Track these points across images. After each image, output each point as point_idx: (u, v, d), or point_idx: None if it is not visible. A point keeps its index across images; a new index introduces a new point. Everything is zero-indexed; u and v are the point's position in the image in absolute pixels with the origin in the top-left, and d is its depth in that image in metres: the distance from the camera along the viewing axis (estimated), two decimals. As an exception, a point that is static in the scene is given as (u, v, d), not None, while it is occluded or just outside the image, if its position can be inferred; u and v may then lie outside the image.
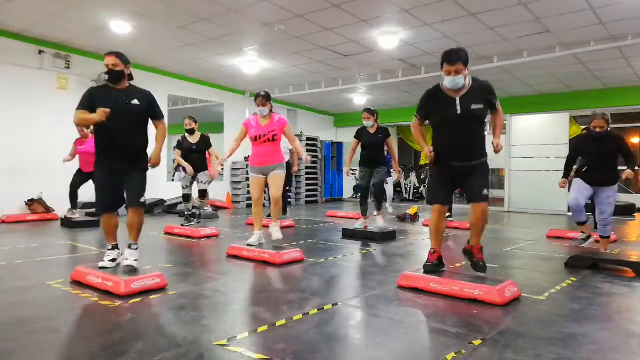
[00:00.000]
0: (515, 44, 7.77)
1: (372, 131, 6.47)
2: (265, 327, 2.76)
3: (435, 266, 3.78)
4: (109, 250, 3.86)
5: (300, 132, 13.76)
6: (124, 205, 3.83)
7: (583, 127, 11.88)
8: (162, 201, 9.69)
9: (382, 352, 2.46)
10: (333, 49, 8.35)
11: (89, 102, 3.64)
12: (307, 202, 13.70)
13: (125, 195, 3.80)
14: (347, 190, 15.51)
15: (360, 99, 12.84)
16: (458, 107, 3.51)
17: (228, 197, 11.76)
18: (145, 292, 3.42)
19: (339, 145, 15.09)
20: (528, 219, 9.80)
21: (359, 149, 6.65)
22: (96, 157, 3.82)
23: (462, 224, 7.70)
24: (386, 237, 6.28)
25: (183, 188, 7.04)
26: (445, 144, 3.64)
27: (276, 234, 5.13)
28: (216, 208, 10.31)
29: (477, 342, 2.55)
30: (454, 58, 3.44)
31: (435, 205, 3.77)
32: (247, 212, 10.38)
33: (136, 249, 3.79)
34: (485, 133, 3.74)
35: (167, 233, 6.66)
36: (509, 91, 11.34)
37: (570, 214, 5.46)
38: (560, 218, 9.98)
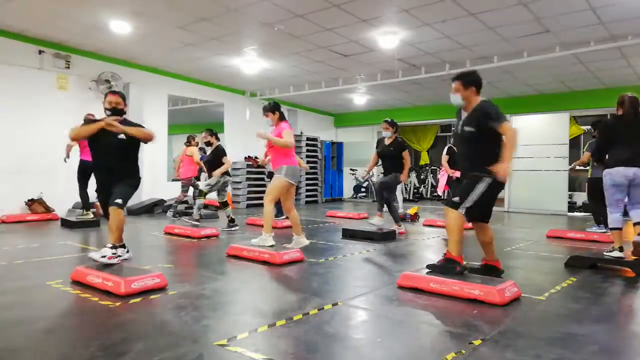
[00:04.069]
0: (515, 44, 7.77)
1: (387, 142, 6.56)
2: (265, 327, 2.76)
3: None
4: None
5: (300, 132, 13.76)
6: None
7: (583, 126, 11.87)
8: (162, 201, 9.69)
9: (382, 352, 2.46)
10: (333, 49, 8.36)
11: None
12: (307, 202, 13.70)
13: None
14: (347, 190, 15.51)
15: (360, 99, 12.83)
16: (459, 126, 3.76)
17: (228, 197, 11.73)
18: (145, 292, 3.42)
19: (339, 146, 15.08)
20: (528, 219, 9.79)
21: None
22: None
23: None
24: (386, 237, 6.28)
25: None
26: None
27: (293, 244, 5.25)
28: (216, 208, 10.29)
29: (477, 342, 2.55)
30: (455, 76, 3.77)
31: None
32: (247, 212, 10.39)
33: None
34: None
35: (167, 233, 6.67)
36: (509, 91, 11.34)
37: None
38: (560, 218, 9.98)
